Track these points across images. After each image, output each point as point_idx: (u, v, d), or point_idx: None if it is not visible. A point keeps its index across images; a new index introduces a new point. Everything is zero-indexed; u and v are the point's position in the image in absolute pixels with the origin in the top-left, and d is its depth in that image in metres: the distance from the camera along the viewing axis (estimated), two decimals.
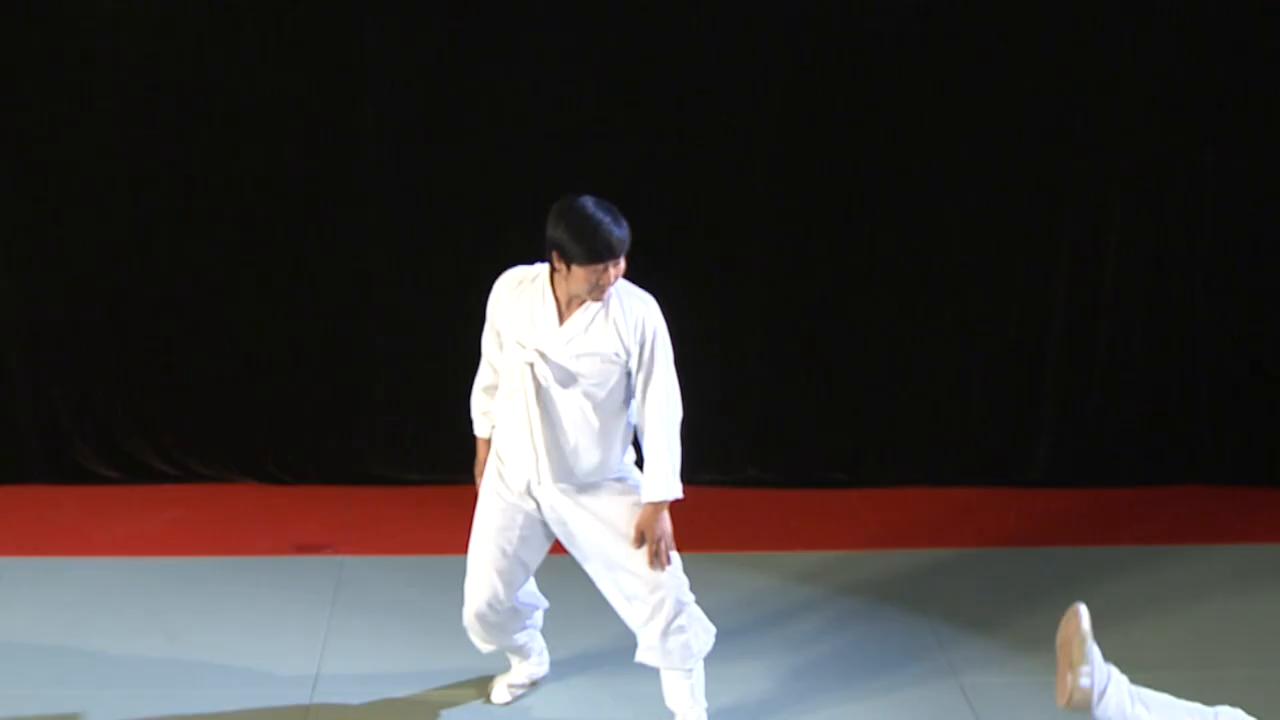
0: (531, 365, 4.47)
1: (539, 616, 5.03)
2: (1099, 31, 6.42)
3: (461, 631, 4.94)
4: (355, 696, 5.09)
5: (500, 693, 5.08)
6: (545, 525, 4.72)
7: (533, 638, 5.06)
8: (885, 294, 6.68)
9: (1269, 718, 4.98)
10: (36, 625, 5.51)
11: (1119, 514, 6.62)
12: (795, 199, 6.58)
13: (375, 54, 6.35)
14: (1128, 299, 6.71)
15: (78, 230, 6.49)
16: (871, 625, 5.62)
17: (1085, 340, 6.75)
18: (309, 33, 6.34)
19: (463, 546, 4.80)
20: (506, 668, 5.12)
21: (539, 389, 4.49)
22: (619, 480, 4.63)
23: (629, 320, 4.47)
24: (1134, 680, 4.35)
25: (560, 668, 5.22)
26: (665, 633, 4.66)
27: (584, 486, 4.61)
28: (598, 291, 4.41)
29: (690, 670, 4.77)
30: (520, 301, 4.53)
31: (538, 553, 4.80)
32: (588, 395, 4.51)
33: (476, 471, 4.83)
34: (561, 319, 4.48)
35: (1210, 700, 5.06)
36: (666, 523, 4.57)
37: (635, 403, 4.58)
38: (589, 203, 4.37)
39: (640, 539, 4.57)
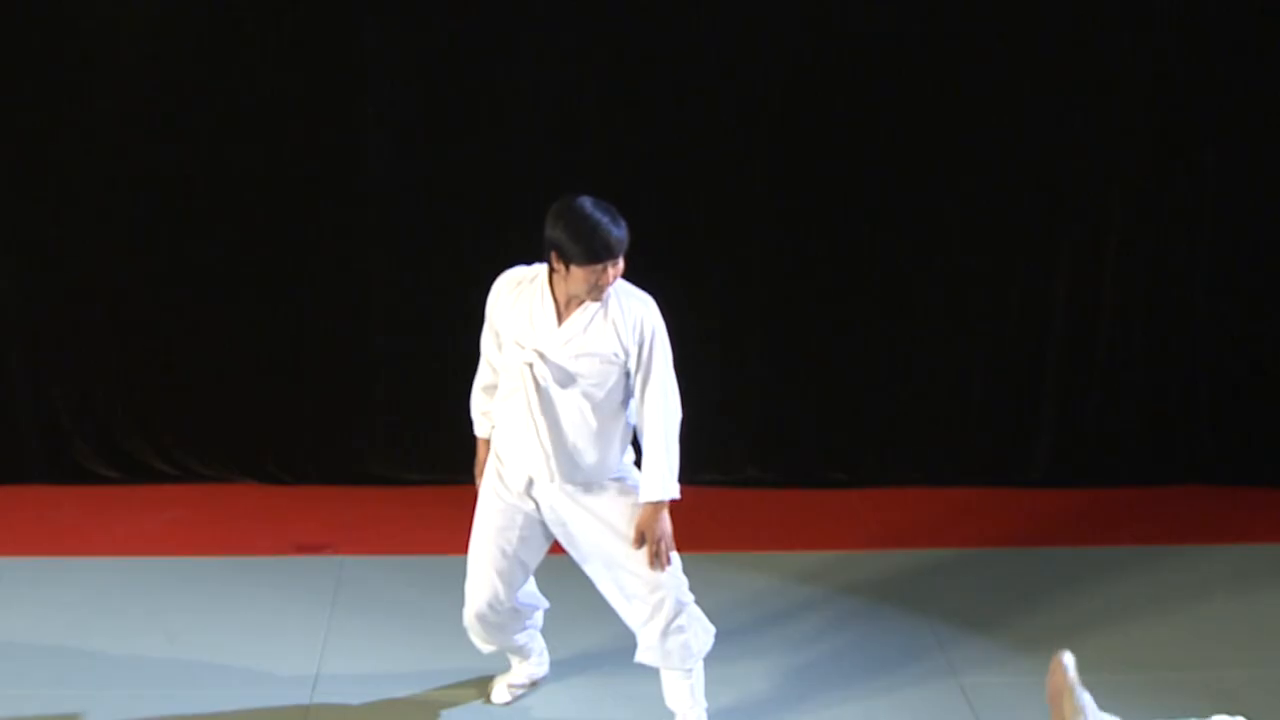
0: (530, 365, 4.47)
1: (539, 617, 5.03)
2: (1099, 31, 6.42)
3: (461, 631, 4.94)
4: (355, 696, 5.09)
5: (500, 693, 5.08)
6: (544, 525, 4.72)
7: (533, 638, 5.06)
8: (885, 294, 6.68)
9: (1269, 718, 4.98)
10: (36, 625, 5.51)
11: (1119, 514, 6.62)
12: (795, 199, 6.58)
13: (375, 54, 6.35)
14: (1128, 299, 6.71)
15: (78, 230, 6.49)
16: (871, 625, 5.62)
17: (1085, 340, 6.75)
18: (309, 33, 6.34)
19: (463, 546, 4.80)
20: (506, 668, 5.12)
21: (539, 389, 4.49)
22: (618, 480, 4.63)
23: (628, 320, 4.47)
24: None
25: (560, 668, 5.22)
26: (665, 633, 4.66)
27: (583, 487, 4.61)
28: (596, 292, 4.41)
29: (690, 670, 4.77)
30: (519, 302, 4.53)
31: (537, 553, 4.80)
32: (586, 395, 4.51)
33: (476, 471, 4.83)
34: (560, 319, 4.48)
35: (1210, 700, 5.07)
36: (667, 523, 4.57)
37: (634, 403, 4.58)
38: (587, 203, 4.37)
39: (640, 539, 4.57)
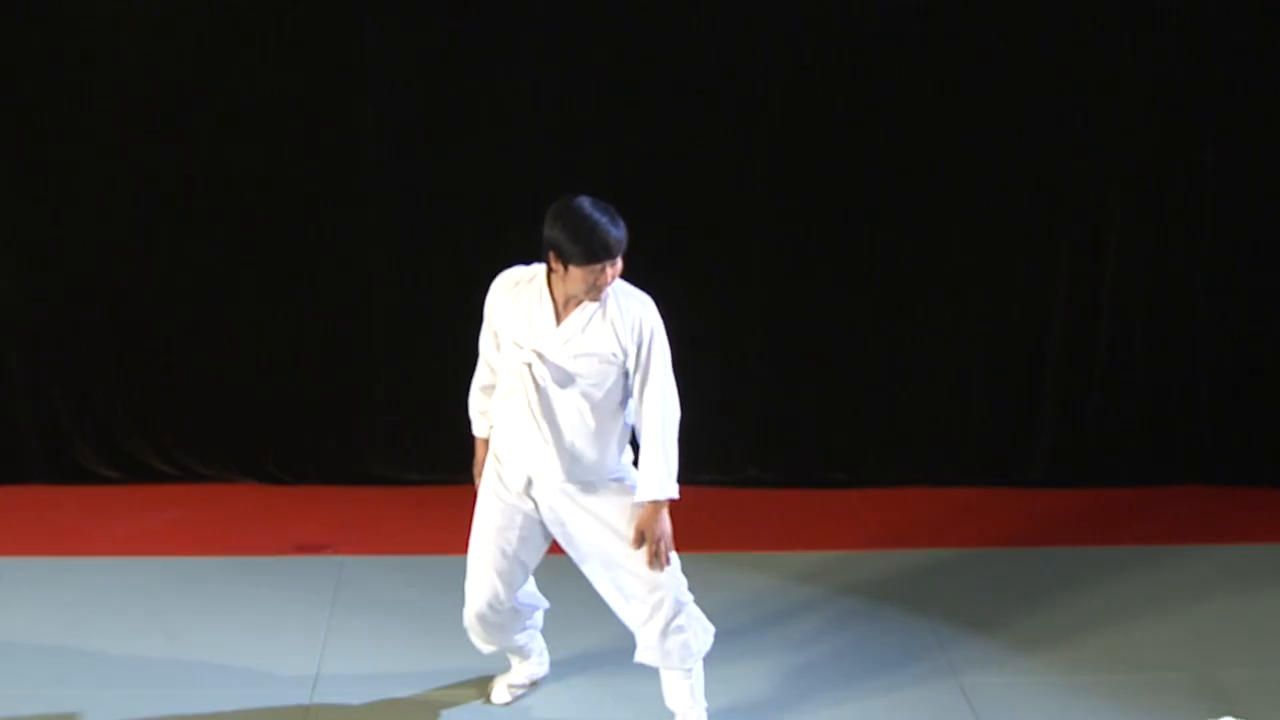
0: (529, 366, 4.47)
1: (539, 617, 5.03)
2: (1099, 31, 6.43)
3: (461, 631, 4.94)
4: (355, 696, 5.08)
5: (500, 693, 5.08)
6: (543, 525, 4.72)
7: (533, 638, 5.06)
8: (885, 294, 6.68)
9: (1269, 718, 4.99)
10: (36, 625, 5.51)
11: (1119, 514, 6.62)
12: (795, 199, 6.58)
13: (375, 54, 6.35)
14: (1128, 299, 6.71)
15: (78, 230, 6.49)
16: (871, 625, 5.62)
17: (1085, 340, 6.75)
18: (309, 33, 6.34)
19: (463, 546, 4.80)
20: (506, 668, 5.12)
21: (538, 389, 4.49)
22: (617, 480, 4.63)
23: (626, 320, 4.47)
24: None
25: (560, 668, 5.22)
26: (664, 632, 4.66)
27: (582, 487, 4.61)
28: (595, 292, 4.41)
29: (690, 670, 4.77)
30: (518, 302, 4.53)
31: (536, 553, 4.80)
32: (585, 396, 4.51)
33: (475, 471, 4.83)
34: (559, 319, 4.48)
35: (1210, 700, 5.07)
36: (666, 523, 4.57)
37: (632, 403, 4.58)
38: (586, 203, 4.37)
39: (640, 539, 4.57)
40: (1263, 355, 6.78)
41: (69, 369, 6.63)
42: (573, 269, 4.36)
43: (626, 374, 4.53)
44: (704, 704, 4.84)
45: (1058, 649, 5.44)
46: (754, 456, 6.82)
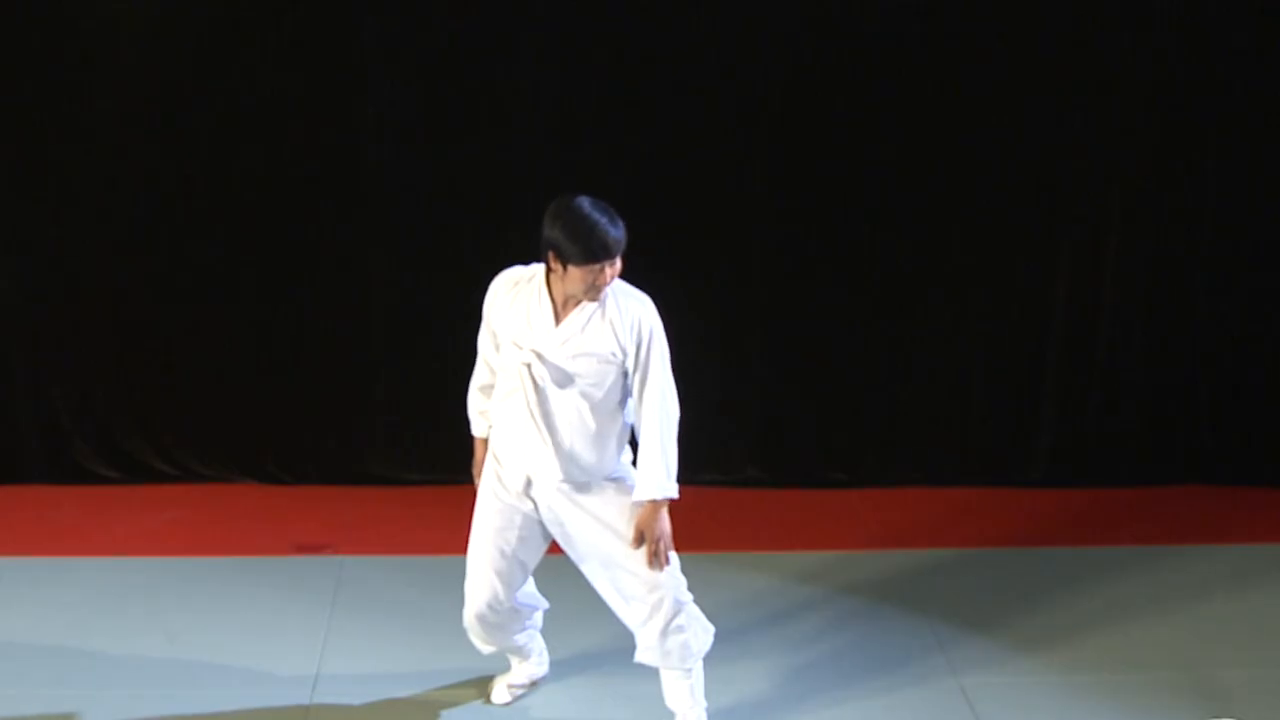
0: (528, 366, 4.47)
1: (539, 617, 5.03)
2: (1099, 31, 6.43)
3: (461, 632, 4.94)
4: (355, 696, 5.08)
5: (500, 693, 5.08)
6: (543, 525, 4.72)
7: (532, 638, 5.06)
8: (885, 294, 6.68)
9: (1269, 718, 4.99)
10: (36, 625, 5.51)
11: (1119, 514, 6.62)
12: (795, 199, 6.58)
13: (375, 54, 6.36)
14: (1128, 299, 6.71)
15: (78, 230, 6.49)
16: (871, 625, 5.62)
17: (1085, 340, 6.75)
18: (309, 33, 6.34)
19: (463, 546, 4.80)
20: (506, 668, 5.12)
21: (537, 389, 4.49)
22: (616, 480, 4.63)
23: (625, 320, 4.47)
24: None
25: (560, 668, 5.22)
26: (664, 632, 4.66)
27: (581, 487, 4.61)
28: (594, 292, 4.41)
29: (690, 670, 4.77)
30: (516, 302, 4.53)
31: (536, 553, 4.80)
32: (585, 396, 4.50)
33: (474, 472, 4.83)
34: (558, 319, 4.48)
35: (1210, 700, 5.07)
36: (666, 522, 4.57)
37: (632, 403, 4.58)
38: (585, 203, 4.37)
39: (640, 539, 4.57)
40: (1263, 355, 6.78)
41: (69, 369, 6.63)
42: (572, 269, 4.36)
43: (625, 374, 4.53)
44: (704, 704, 4.84)
45: (1058, 649, 5.44)
46: (754, 456, 6.82)
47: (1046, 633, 5.55)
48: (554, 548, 4.79)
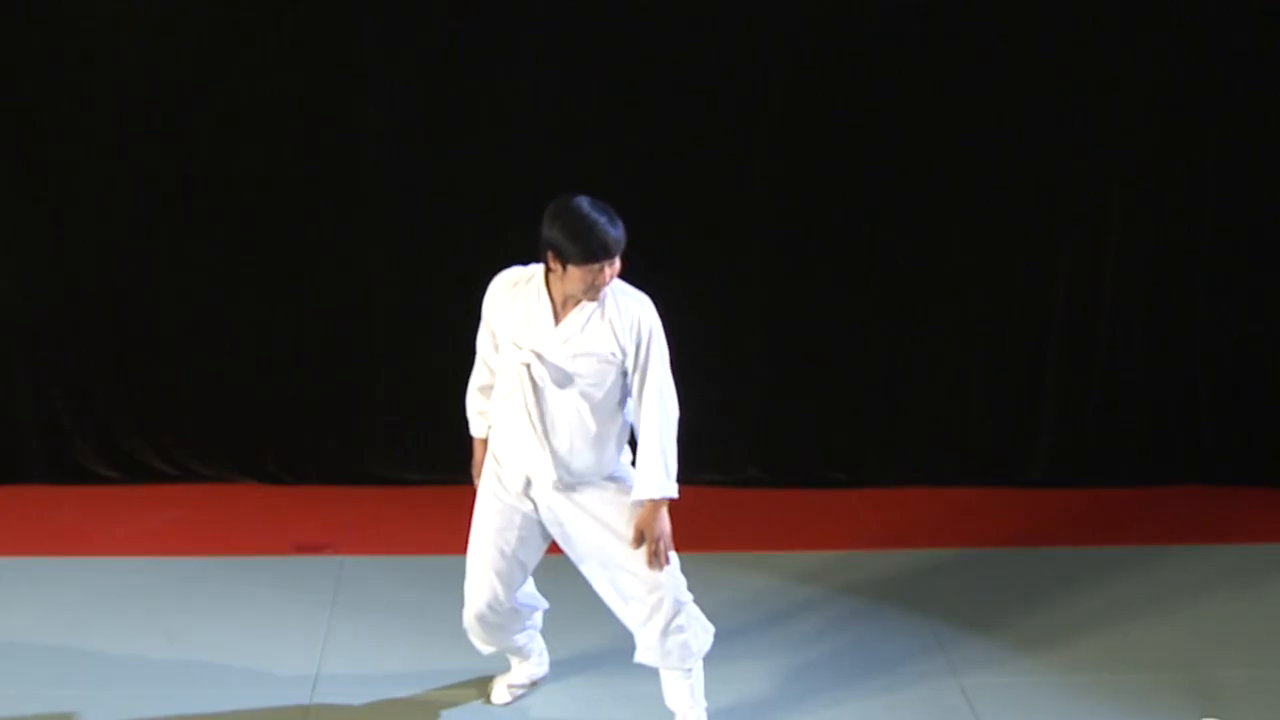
0: (528, 366, 4.47)
1: (539, 617, 5.03)
2: (1099, 31, 6.43)
3: (461, 632, 4.94)
4: (355, 696, 5.08)
5: (500, 693, 5.08)
6: (542, 525, 4.72)
7: (532, 638, 5.06)
8: (885, 294, 6.68)
9: (1269, 718, 4.99)
10: (36, 625, 5.51)
11: (1119, 514, 6.62)
12: (795, 199, 6.58)
13: (375, 54, 6.35)
14: (1128, 299, 6.71)
15: (78, 230, 6.49)
16: (871, 625, 5.62)
17: (1085, 340, 6.75)
18: (309, 33, 6.34)
19: (463, 546, 4.80)
20: (506, 668, 5.12)
21: (536, 389, 4.49)
22: (616, 480, 4.63)
23: (624, 320, 4.47)
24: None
25: (560, 668, 5.22)
26: (664, 632, 4.66)
27: (581, 487, 4.61)
28: (593, 291, 4.41)
29: (690, 670, 4.77)
30: (516, 302, 4.53)
31: (535, 553, 4.80)
32: (584, 396, 4.50)
33: (474, 472, 4.83)
34: (557, 319, 4.48)
35: (1210, 700, 5.08)
36: (665, 522, 4.57)
37: (631, 402, 4.58)
38: (584, 203, 4.37)
39: (639, 538, 4.57)
40: (1263, 355, 6.78)
41: (69, 369, 6.63)
42: (571, 269, 4.36)
43: (625, 374, 4.53)
44: (704, 704, 4.84)
45: (1058, 649, 5.44)
46: (754, 456, 6.82)
47: (1046, 633, 5.55)
48: (554, 548, 4.79)
